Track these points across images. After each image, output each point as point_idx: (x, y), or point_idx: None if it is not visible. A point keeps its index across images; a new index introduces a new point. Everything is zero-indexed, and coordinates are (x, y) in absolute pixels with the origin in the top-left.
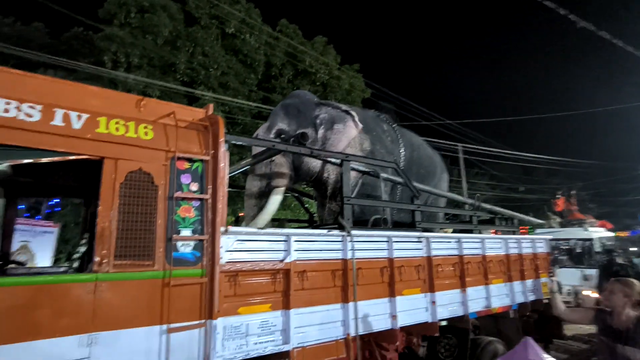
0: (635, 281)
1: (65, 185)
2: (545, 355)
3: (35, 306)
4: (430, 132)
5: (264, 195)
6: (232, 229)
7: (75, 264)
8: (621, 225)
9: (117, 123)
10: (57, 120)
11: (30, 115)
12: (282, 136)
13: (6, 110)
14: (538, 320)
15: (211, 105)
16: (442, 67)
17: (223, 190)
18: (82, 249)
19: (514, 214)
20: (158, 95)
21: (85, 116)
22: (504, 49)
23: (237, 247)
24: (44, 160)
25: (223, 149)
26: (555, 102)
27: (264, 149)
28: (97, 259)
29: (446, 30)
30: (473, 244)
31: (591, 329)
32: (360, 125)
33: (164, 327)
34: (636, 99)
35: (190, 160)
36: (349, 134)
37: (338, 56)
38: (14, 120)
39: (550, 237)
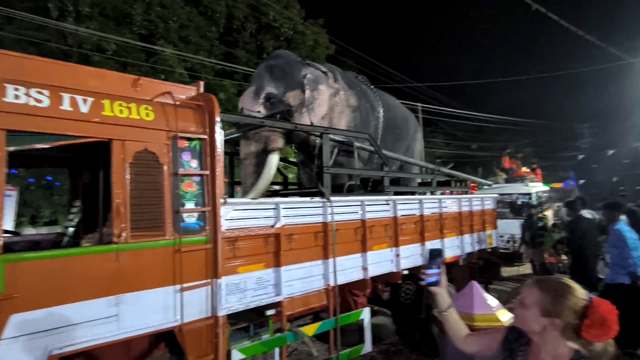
0: (571, 284)
1: (50, 156)
2: (486, 295)
3: (69, 275)
4: (392, 92)
5: (260, 159)
6: (229, 200)
7: (70, 231)
8: (558, 178)
9: (120, 105)
10: (66, 105)
11: (39, 101)
12: (272, 100)
13: (17, 97)
14: (482, 266)
15: (202, 83)
16: (406, 28)
17: (220, 165)
18: (75, 217)
19: (467, 177)
20: (114, 50)
21: (90, 100)
22: (468, 13)
23: (235, 215)
24: (57, 143)
25: (219, 127)
26: (510, 67)
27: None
28: (115, 231)
29: None
30: (432, 204)
31: (524, 270)
32: (336, 85)
33: (178, 286)
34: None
35: (189, 139)
36: (329, 93)
37: (302, 10)
38: (25, 106)
39: (497, 194)
